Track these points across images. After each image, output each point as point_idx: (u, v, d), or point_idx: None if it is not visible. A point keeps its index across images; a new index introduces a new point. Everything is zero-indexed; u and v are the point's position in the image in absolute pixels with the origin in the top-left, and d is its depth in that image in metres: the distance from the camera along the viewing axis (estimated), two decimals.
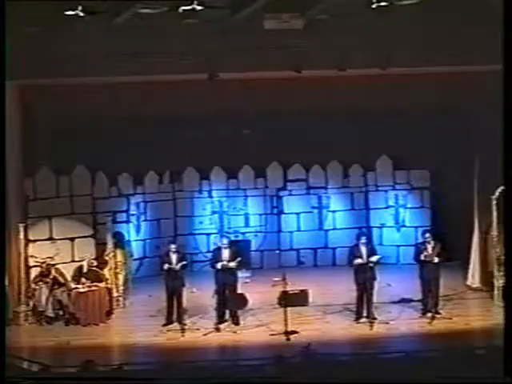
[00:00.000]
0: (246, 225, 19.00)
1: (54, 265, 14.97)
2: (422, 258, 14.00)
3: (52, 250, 15.50)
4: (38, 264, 15.09)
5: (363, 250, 13.96)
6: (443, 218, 18.08)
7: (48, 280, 14.72)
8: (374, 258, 13.91)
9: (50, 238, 15.93)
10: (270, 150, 18.35)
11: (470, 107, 16.10)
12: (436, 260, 13.96)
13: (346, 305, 14.54)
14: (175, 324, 13.95)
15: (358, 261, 13.83)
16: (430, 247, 14.05)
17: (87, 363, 10.37)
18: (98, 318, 14.35)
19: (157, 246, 17.77)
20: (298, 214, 19.12)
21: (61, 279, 14.86)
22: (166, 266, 13.98)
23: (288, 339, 13.02)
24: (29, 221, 15.58)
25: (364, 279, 13.82)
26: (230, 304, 14.05)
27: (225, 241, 14.37)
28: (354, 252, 14.02)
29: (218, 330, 13.65)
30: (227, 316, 14.04)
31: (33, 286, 14.88)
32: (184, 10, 11.60)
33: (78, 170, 16.67)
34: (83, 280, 14.61)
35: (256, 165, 18.83)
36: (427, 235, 14.23)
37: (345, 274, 14.43)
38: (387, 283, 15.92)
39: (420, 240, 14.56)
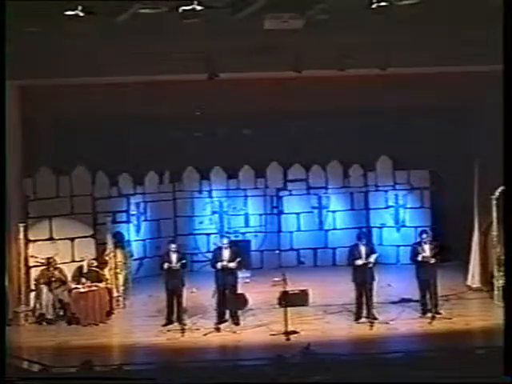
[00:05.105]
0: (246, 225, 19.02)
1: (55, 264, 14.97)
2: (420, 258, 14.00)
3: (52, 250, 15.51)
4: (39, 264, 15.11)
5: (363, 250, 13.96)
6: (443, 218, 18.09)
7: (49, 280, 14.73)
8: (371, 258, 13.91)
9: (50, 238, 15.92)
10: (270, 149, 18.37)
11: (470, 107, 16.10)
12: (433, 261, 13.95)
13: (346, 305, 14.54)
14: (175, 324, 13.95)
15: (358, 262, 13.84)
16: (427, 248, 14.05)
17: (86, 363, 10.37)
18: (98, 318, 14.35)
19: (157, 246, 17.78)
20: (297, 214, 19.14)
21: (62, 279, 14.86)
22: (165, 266, 14.00)
23: (288, 339, 13.01)
24: (29, 221, 15.57)
25: (362, 279, 13.83)
26: (230, 304, 14.05)
27: (225, 241, 14.37)
28: (353, 252, 14.03)
29: (218, 329, 13.64)
30: (227, 316, 14.04)
31: (33, 286, 14.91)
32: (184, 10, 11.58)
33: (78, 170, 16.66)
34: (83, 280, 14.62)
35: (256, 165, 18.84)
36: (424, 235, 14.23)
37: (345, 273, 14.42)
38: (387, 283, 15.94)
39: (417, 240, 14.55)
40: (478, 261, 15.93)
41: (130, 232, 17.68)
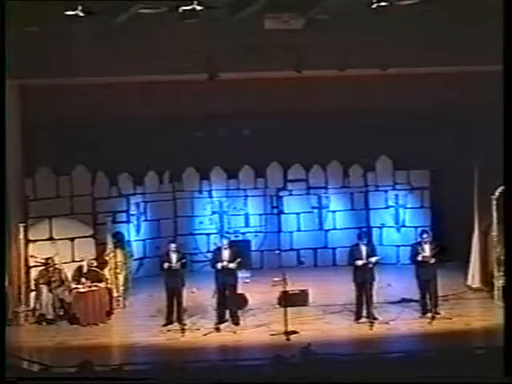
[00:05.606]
0: (246, 225, 19.01)
1: (54, 264, 14.96)
2: (420, 258, 14.00)
3: (52, 249, 15.51)
4: (39, 264, 15.11)
5: (363, 250, 13.96)
6: (443, 218, 18.08)
7: (49, 280, 14.72)
8: (373, 259, 13.90)
9: (50, 238, 15.92)
10: (270, 149, 18.37)
11: (470, 107, 16.10)
12: (433, 261, 13.95)
13: (346, 305, 14.54)
14: (175, 324, 13.95)
15: (359, 262, 13.83)
16: (427, 248, 14.05)
17: (86, 363, 10.36)
18: (98, 318, 14.35)
19: (157, 246, 17.77)
20: (297, 214, 19.13)
21: (62, 279, 14.86)
22: (165, 265, 13.99)
23: (288, 339, 13.01)
24: (29, 221, 15.57)
25: (363, 279, 13.82)
26: (230, 304, 14.05)
27: (225, 241, 14.37)
28: (354, 252, 14.02)
29: (218, 329, 13.64)
30: (227, 316, 14.04)
31: (33, 286, 14.91)
32: (184, 10, 11.59)
33: (78, 170, 16.68)
34: (83, 280, 14.62)
35: (256, 165, 18.84)
36: (425, 235, 14.24)
37: (345, 273, 14.43)
38: (387, 283, 15.93)
39: (418, 240, 14.54)
40: (478, 261, 15.93)
41: (130, 232, 17.68)
